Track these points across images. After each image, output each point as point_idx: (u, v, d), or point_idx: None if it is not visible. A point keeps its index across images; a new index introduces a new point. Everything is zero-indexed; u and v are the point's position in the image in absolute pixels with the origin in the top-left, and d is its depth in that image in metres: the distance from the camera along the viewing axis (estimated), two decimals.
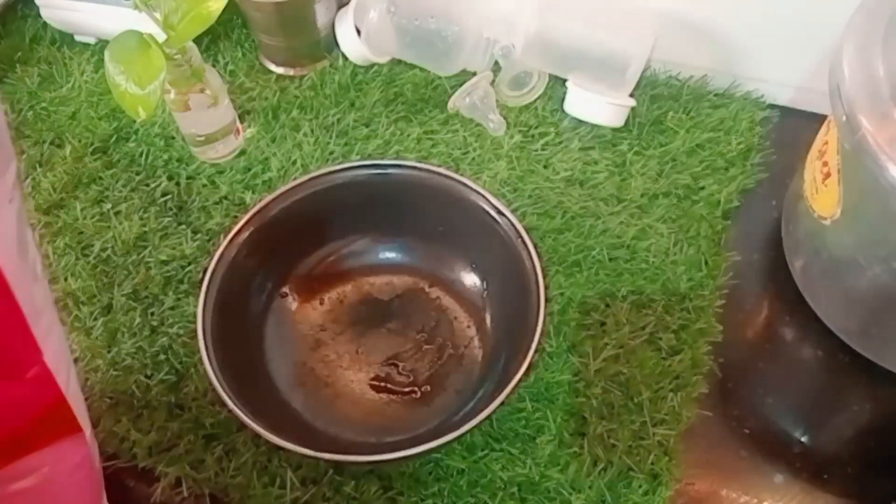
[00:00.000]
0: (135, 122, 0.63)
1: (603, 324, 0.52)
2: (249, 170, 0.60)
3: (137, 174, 0.61)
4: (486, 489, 0.46)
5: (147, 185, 0.60)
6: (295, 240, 0.52)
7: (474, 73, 0.64)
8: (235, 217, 0.57)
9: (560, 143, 0.62)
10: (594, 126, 0.62)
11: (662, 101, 0.64)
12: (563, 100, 0.63)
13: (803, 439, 0.50)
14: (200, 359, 0.44)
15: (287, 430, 0.43)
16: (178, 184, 0.60)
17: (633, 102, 0.61)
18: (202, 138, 0.59)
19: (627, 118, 0.62)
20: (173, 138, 0.62)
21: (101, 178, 0.61)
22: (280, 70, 0.67)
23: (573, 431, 0.48)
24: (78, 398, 0.36)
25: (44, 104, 0.65)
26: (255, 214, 0.49)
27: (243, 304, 0.50)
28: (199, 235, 0.57)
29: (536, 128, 0.63)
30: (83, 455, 0.37)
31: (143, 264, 0.55)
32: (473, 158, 0.61)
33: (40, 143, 0.63)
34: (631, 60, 0.60)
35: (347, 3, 0.66)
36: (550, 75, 0.64)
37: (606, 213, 0.58)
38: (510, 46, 0.62)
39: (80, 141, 0.63)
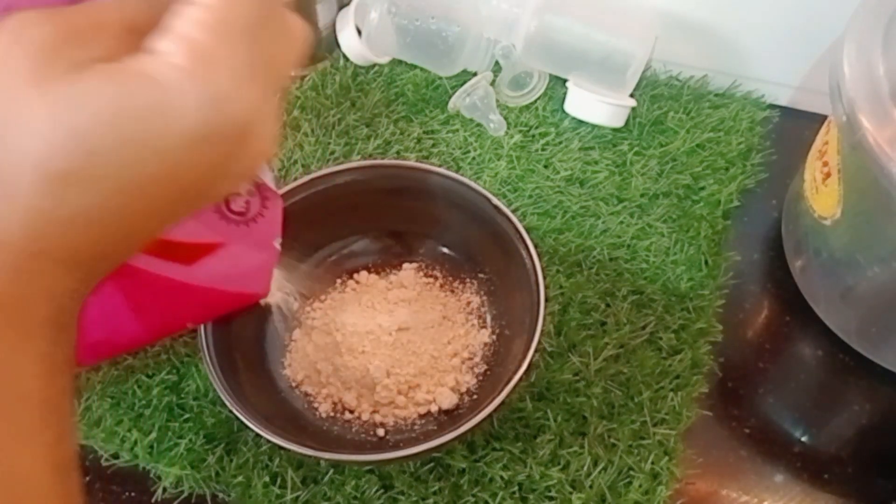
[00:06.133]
0: None
1: (603, 323, 0.52)
2: None
3: None
4: (486, 488, 0.46)
5: None
6: (295, 239, 0.52)
7: (475, 74, 0.64)
8: None
9: (560, 143, 0.62)
10: (594, 126, 0.62)
11: (663, 101, 0.64)
12: (563, 100, 0.63)
13: (803, 439, 0.50)
14: (201, 358, 0.44)
15: (287, 430, 0.43)
16: None
17: (633, 103, 0.62)
18: None
19: (628, 118, 0.62)
20: None
21: None
22: None
23: (573, 431, 0.48)
24: None
25: None
26: None
27: None
28: None
29: (537, 128, 0.63)
30: None
31: None
32: (474, 158, 0.61)
33: None
34: (631, 61, 0.60)
35: (348, 4, 0.66)
36: (551, 76, 0.64)
37: (607, 212, 0.58)
38: (510, 46, 0.62)
39: None
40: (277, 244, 0.40)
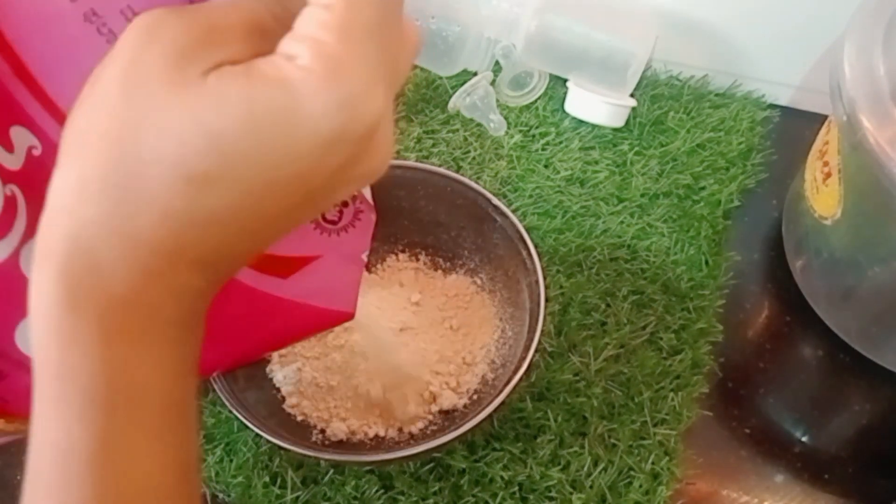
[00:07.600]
0: None
1: (604, 323, 0.52)
2: None
3: None
4: (486, 489, 0.46)
5: None
6: None
7: (475, 73, 0.64)
8: None
9: (560, 142, 0.62)
10: (595, 126, 0.62)
11: (663, 101, 0.64)
12: (563, 100, 0.63)
13: (804, 439, 0.50)
14: None
15: (288, 430, 0.43)
16: None
17: (633, 102, 0.62)
18: None
19: (628, 118, 0.62)
20: None
21: None
22: None
23: (574, 431, 0.48)
24: None
25: None
26: None
27: None
28: None
29: (537, 128, 0.63)
30: None
31: None
32: (474, 158, 0.61)
33: None
34: (631, 60, 0.60)
35: None
36: (551, 75, 0.64)
37: (607, 212, 0.58)
38: (511, 46, 0.62)
39: None
40: (364, 258, 0.39)
